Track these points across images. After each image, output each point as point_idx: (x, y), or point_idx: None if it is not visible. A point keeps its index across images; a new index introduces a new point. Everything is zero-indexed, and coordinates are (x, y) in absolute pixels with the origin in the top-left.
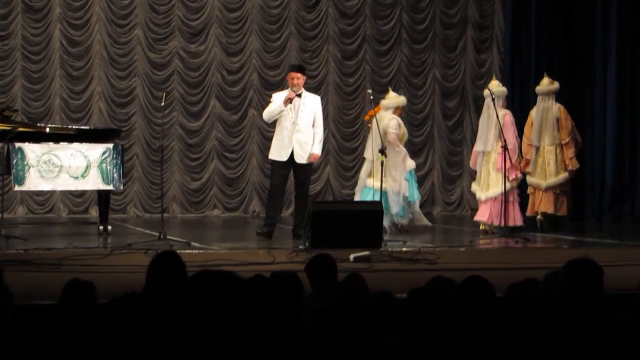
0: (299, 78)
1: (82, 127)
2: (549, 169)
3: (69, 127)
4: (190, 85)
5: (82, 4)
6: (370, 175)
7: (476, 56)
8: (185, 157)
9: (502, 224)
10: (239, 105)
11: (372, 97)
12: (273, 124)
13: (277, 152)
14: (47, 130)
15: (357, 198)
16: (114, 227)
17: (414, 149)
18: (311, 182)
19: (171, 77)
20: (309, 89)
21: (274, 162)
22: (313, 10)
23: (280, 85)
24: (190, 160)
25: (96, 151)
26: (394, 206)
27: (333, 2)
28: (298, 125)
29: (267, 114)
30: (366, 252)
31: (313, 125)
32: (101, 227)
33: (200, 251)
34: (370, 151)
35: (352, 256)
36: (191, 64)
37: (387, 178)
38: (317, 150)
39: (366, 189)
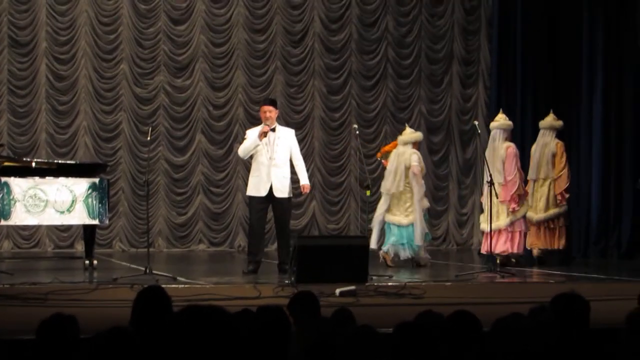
0: (271, 111)
1: (68, 162)
2: (540, 204)
3: (55, 161)
4: (176, 119)
5: (68, 38)
6: (388, 210)
7: (462, 91)
8: (170, 192)
9: (488, 251)
10: (225, 139)
11: (357, 132)
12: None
13: (255, 188)
14: (33, 164)
15: (374, 232)
16: (99, 262)
17: None
18: (296, 216)
19: (157, 112)
20: (295, 123)
21: (253, 198)
22: (299, 46)
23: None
24: (176, 194)
25: (82, 186)
26: (419, 238)
27: (319, 37)
28: (274, 160)
29: (243, 150)
30: (352, 287)
31: (291, 159)
32: (87, 262)
33: (186, 286)
34: (389, 186)
35: (338, 290)
36: (177, 98)
37: (415, 211)
38: (307, 180)
39: (386, 224)
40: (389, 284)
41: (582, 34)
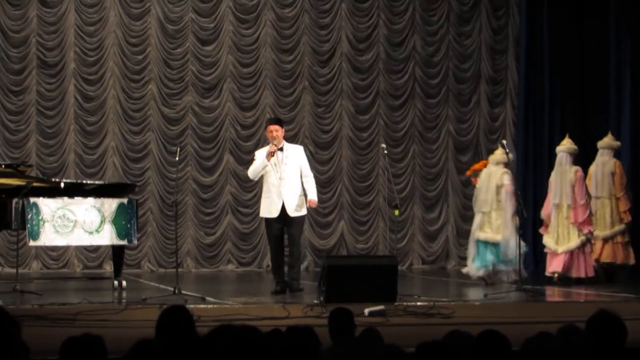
0: (277, 130)
1: (97, 182)
2: (605, 221)
3: (84, 182)
4: (204, 140)
5: (96, 59)
6: (481, 228)
7: (490, 110)
8: (199, 212)
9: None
10: (253, 160)
11: (385, 152)
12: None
13: (267, 210)
14: (62, 185)
15: (471, 250)
16: (128, 282)
17: (427, 203)
18: (324, 236)
19: (185, 132)
20: (323, 143)
21: (266, 220)
22: (326, 65)
23: (293, 140)
24: (204, 215)
25: (110, 206)
26: (512, 253)
27: (347, 57)
28: (284, 180)
29: (252, 171)
30: (381, 307)
31: (301, 176)
32: (115, 282)
33: (215, 306)
34: (480, 204)
35: (367, 310)
36: (205, 118)
37: (507, 228)
38: (315, 196)
39: (480, 242)
40: (418, 303)
41: (610, 52)
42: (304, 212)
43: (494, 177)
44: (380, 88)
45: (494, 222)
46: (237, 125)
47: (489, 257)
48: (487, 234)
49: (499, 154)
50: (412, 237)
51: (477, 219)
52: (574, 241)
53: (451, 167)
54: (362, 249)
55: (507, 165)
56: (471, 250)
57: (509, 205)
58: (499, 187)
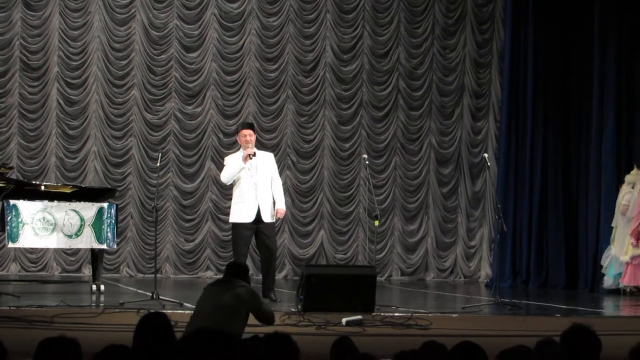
0: (251, 135)
1: (78, 185)
2: None
3: (64, 184)
4: (186, 146)
5: (80, 63)
6: (612, 242)
7: (472, 123)
8: (179, 218)
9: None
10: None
11: (367, 163)
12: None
13: (240, 215)
14: (42, 188)
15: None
16: (106, 287)
17: (408, 215)
18: (304, 245)
19: (167, 138)
20: (305, 153)
21: (238, 225)
22: (310, 75)
23: (277, 148)
24: (185, 221)
25: (91, 210)
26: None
27: (331, 67)
28: (259, 185)
29: (227, 175)
30: (359, 316)
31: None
32: (94, 286)
33: (192, 312)
34: (614, 221)
35: (344, 320)
36: (187, 125)
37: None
38: (283, 204)
39: (615, 257)
40: (396, 314)
41: (593, 66)
42: (274, 219)
43: (620, 195)
44: (364, 99)
45: (619, 239)
46: (220, 132)
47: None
48: (615, 250)
49: (633, 174)
50: (392, 248)
51: (613, 235)
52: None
53: (432, 180)
54: (341, 259)
55: (634, 186)
56: (609, 262)
57: (621, 223)
58: (623, 205)
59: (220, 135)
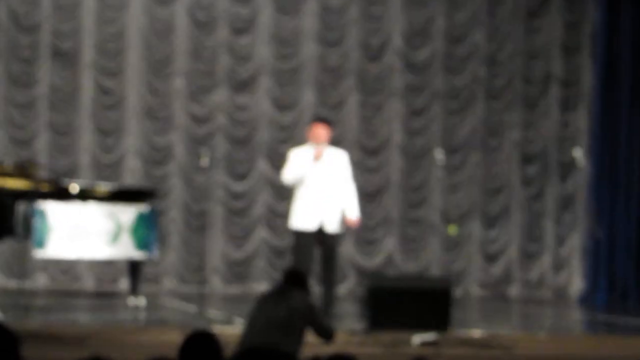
0: (326, 132)
1: (115, 187)
2: None
3: (102, 185)
4: (236, 142)
5: (116, 48)
6: None
7: (561, 116)
8: (229, 223)
9: None
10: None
11: (441, 160)
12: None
13: (302, 220)
14: (75, 188)
15: None
16: (147, 301)
17: (488, 220)
18: (370, 254)
19: (214, 133)
20: (371, 150)
21: (301, 234)
22: (376, 62)
23: (339, 144)
24: (235, 226)
25: (129, 214)
26: None
27: (400, 53)
28: (326, 189)
29: (291, 175)
30: (432, 335)
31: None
32: (132, 300)
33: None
34: None
35: (416, 339)
36: (238, 118)
37: None
38: (357, 212)
39: None
40: (475, 334)
41: None
42: (341, 230)
43: None
44: (438, 88)
45: None
46: (274, 126)
47: None
48: None
49: None
50: (470, 258)
51: None
52: None
53: (516, 180)
54: (412, 270)
55: None
56: None
57: None
58: None
59: (275, 130)
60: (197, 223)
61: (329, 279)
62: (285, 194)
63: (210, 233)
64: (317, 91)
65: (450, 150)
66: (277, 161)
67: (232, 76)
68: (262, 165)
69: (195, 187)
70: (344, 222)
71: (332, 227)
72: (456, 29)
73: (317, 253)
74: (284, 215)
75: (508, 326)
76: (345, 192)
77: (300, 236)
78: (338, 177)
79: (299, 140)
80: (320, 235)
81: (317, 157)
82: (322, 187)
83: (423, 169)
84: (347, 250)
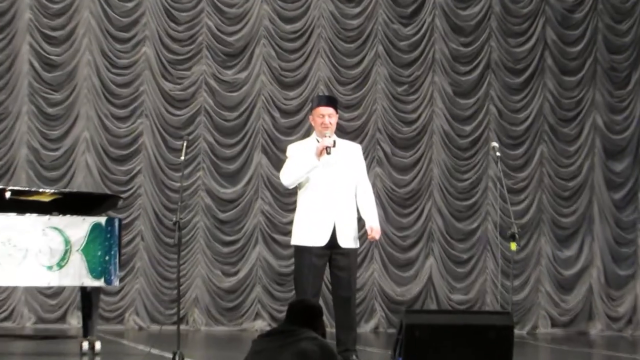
0: (331, 115)
1: (61, 191)
2: None
3: (41, 190)
4: (225, 131)
5: (63, 6)
6: None
7: None
8: (214, 240)
9: None
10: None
11: (498, 155)
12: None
13: (308, 235)
14: (7, 194)
15: None
16: (104, 344)
17: (561, 235)
18: (404, 281)
19: (196, 119)
20: (404, 139)
21: (304, 251)
22: (411, 22)
23: (361, 133)
24: (223, 244)
25: (81, 228)
26: None
27: (441, 10)
28: (337, 191)
29: (292, 175)
30: None
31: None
32: (85, 344)
33: None
34: None
35: None
36: (226, 99)
37: None
38: (376, 221)
39: None
40: None
41: None
42: (357, 244)
43: None
44: (493, 58)
45: None
46: (275, 110)
47: None
48: None
49: None
50: (537, 285)
51: None
52: None
53: (598, 180)
54: (460, 302)
55: None
56: None
57: None
58: None
59: (276, 114)
60: (172, 239)
61: (347, 313)
62: (288, 201)
63: (190, 253)
64: (331, 62)
65: (510, 141)
66: (280, 156)
67: (220, 43)
68: (259, 162)
69: (170, 191)
70: (369, 234)
71: (347, 241)
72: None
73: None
74: (286, 228)
75: None
76: (362, 195)
77: (306, 255)
78: (352, 176)
79: (310, 129)
80: (332, 253)
81: (320, 152)
82: (332, 190)
83: (473, 166)
84: (372, 276)
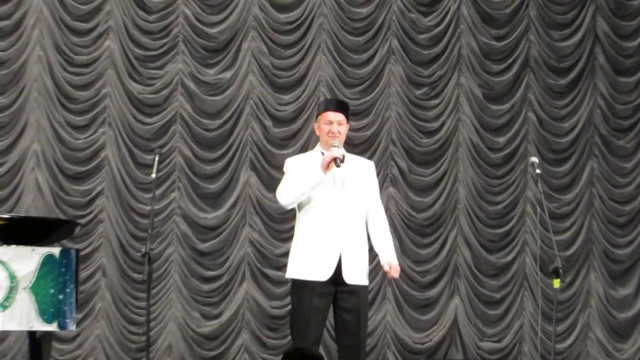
0: (340, 123)
1: (6, 216)
2: None
3: None
4: (205, 143)
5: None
6: None
7: None
8: (192, 276)
9: None
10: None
11: (538, 172)
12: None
13: (307, 267)
14: None
15: None
16: None
17: (616, 270)
18: (422, 325)
19: (170, 128)
20: (424, 154)
21: (303, 287)
22: (432, 10)
23: (371, 145)
24: (202, 280)
25: (29, 261)
26: None
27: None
28: (345, 215)
29: (292, 191)
30: None
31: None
32: None
33: None
34: None
35: None
36: (207, 104)
37: None
38: (393, 255)
39: None
40: None
41: None
42: (367, 280)
43: None
44: (532, 54)
45: None
46: (266, 117)
47: None
48: None
49: None
50: (586, 331)
51: None
52: None
53: None
54: (491, 351)
55: None
56: None
57: None
58: None
59: (268, 122)
60: (141, 275)
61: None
62: (282, 228)
63: (163, 291)
64: (335, 58)
65: (552, 156)
66: (272, 173)
67: (199, 36)
68: (247, 181)
69: (139, 216)
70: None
71: (355, 277)
72: None
73: (331, 321)
74: (279, 261)
75: None
76: (375, 222)
77: (305, 293)
78: (363, 198)
79: (309, 139)
80: (337, 290)
81: (327, 165)
82: (339, 214)
83: (509, 185)
84: (385, 319)
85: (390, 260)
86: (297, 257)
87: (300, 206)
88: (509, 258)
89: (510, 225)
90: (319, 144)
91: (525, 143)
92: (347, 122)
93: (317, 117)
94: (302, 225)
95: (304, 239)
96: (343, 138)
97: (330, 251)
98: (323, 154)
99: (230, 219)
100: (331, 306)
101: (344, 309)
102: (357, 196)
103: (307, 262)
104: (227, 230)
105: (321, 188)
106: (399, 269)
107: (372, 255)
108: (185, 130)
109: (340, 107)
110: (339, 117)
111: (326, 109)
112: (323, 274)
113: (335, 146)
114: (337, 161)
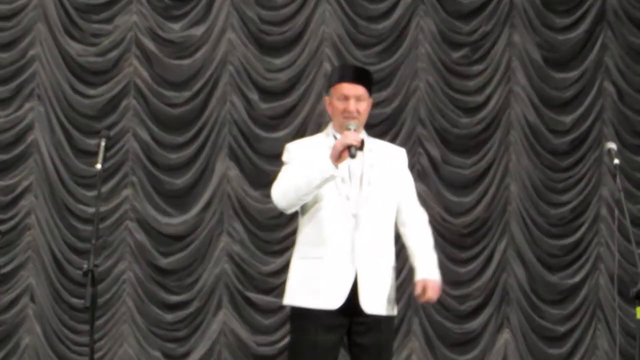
0: (360, 98)
1: None
2: None
3: None
4: (168, 123)
5: None
6: None
7: None
8: (152, 302)
9: None
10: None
11: (617, 163)
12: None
13: (316, 290)
14: None
15: None
16: None
17: None
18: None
19: (121, 103)
20: (463, 138)
21: (309, 317)
22: None
23: (394, 126)
24: (165, 308)
25: None
26: None
27: None
28: (364, 223)
29: (291, 191)
30: None
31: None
32: None
33: None
34: None
35: None
36: (171, 70)
37: None
38: (435, 271)
39: None
40: None
41: None
42: (394, 309)
43: None
44: (609, 3)
45: None
46: (251, 88)
47: None
48: None
49: None
50: None
51: None
52: None
53: None
54: None
55: None
56: None
57: None
58: None
59: (253, 95)
60: (82, 301)
61: None
62: (273, 238)
63: (112, 322)
64: (343, 10)
65: (635, 142)
66: (257, 163)
67: None
68: (224, 173)
69: (78, 221)
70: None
71: (376, 305)
72: None
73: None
74: (268, 282)
75: None
76: (412, 227)
77: (308, 325)
78: (391, 199)
79: (308, 117)
80: (352, 323)
81: (340, 154)
82: (356, 221)
83: (578, 180)
84: (408, 356)
85: (427, 275)
86: (299, 278)
87: (304, 209)
88: (577, 279)
89: (579, 234)
90: (330, 125)
91: (599, 124)
92: (370, 96)
93: (328, 89)
94: (304, 236)
95: (308, 254)
96: (364, 119)
97: (343, 270)
98: (336, 138)
99: (202, 226)
100: (342, 342)
101: (360, 347)
102: (381, 197)
103: (311, 285)
104: (197, 241)
105: (332, 186)
106: (438, 288)
107: (405, 278)
108: (142, 105)
109: (360, 76)
110: (357, 90)
111: (340, 80)
112: (332, 301)
113: (351, 128)
114: (352, 149)
